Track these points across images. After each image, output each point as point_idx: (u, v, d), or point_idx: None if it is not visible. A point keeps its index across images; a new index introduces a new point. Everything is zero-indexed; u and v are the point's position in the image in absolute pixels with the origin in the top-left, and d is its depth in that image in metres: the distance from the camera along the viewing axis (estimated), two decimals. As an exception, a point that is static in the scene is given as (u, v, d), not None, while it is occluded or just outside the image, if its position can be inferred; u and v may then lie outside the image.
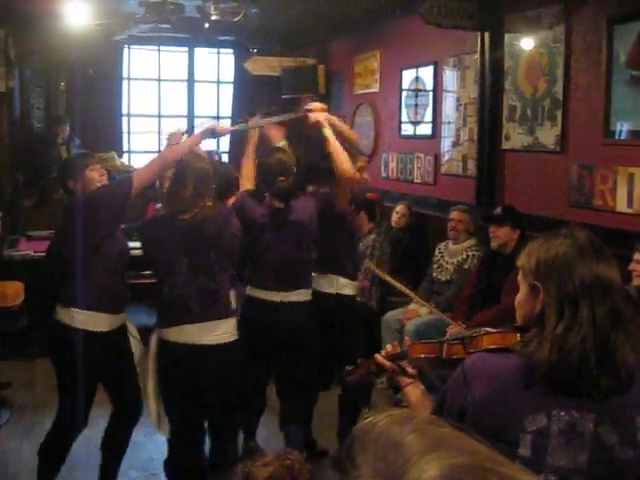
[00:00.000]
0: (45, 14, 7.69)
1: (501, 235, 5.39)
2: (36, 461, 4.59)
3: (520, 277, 1.95)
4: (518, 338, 1.95)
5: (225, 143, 10.87)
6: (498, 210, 5.54)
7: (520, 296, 1.95)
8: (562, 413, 1.81)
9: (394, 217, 7.07)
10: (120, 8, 7.82)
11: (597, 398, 1.80)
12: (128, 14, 7.76)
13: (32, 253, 6.66)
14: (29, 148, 9.30)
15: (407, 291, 4.95)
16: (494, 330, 2.10)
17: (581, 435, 1.80)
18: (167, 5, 7.05)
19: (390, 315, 6.14)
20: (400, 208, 7.11)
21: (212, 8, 7.05)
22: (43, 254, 6.65)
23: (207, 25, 7.28)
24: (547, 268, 1.85)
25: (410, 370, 2.35)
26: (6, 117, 8.90)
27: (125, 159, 10.26)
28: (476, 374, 1.90)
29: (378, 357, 2.41)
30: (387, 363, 2.38)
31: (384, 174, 8.34)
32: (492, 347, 2.01)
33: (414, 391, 2.32)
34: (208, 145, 10.33)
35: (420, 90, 7.68)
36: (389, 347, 2.43)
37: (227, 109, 10.90)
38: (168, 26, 7.73)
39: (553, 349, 1.79)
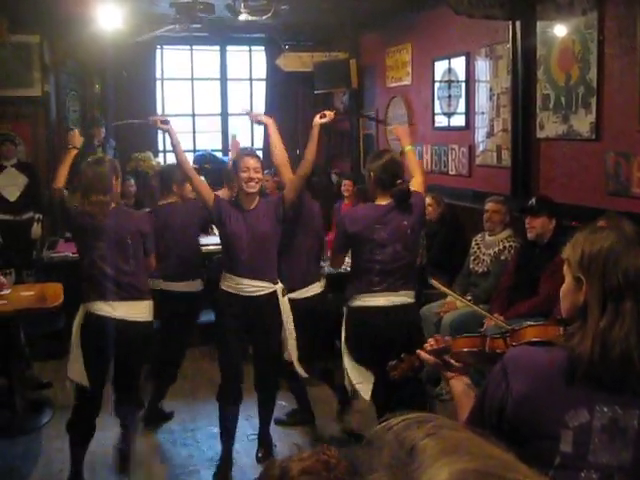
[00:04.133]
0: (78, 19, 7.78)
1: (537, 226, 5.34)
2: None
3: (565, 268, 1.92)
4: (561, 331, 1.93)
5: (259, 139, 10.91)
6: (533, 201, 5.48)
7: (565, 287, 1.92)
8: (605, 409, 1.77)
9: (425, 210, 7.00)
10: (151, 10, 7.88)
11: None
12: (159, 16, 7.82)
13: (70, 255, 6.71)
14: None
15: None
16: (536, 323, 2.07)
17: (624, 431, 1.77)
18: (197, 5, 7.08)
19: (427, 308, 6.10)
20: (427, 200, 7.03)
21: (242, 6, 7.06)
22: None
23: (237, 23, 7.30)
24: (592, 261, 1.81)
25: (454, 364, 2.34)
26: (43, 120, 9.04)
27: (160, 159, 10.35)
28: (515, 368, 1.86)
29: (421, 352, 2.40)
30: (430, 358, 2.37)
31: (419, 167, 8.29)
32: (534, 340, 1.99)
33: (458, 384, 2.31)
34: (242, 143, 10.39)
35: (453, 81, 7.62)
36: (432, 341, 2.41)
37: (260, 106, 10.93)
38: (199, 26, 7.77)
39: (595, 344, 1.76)
